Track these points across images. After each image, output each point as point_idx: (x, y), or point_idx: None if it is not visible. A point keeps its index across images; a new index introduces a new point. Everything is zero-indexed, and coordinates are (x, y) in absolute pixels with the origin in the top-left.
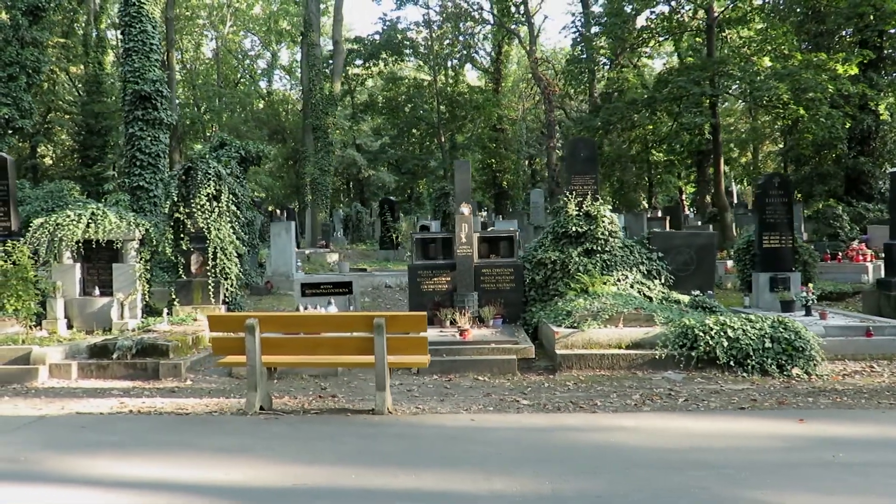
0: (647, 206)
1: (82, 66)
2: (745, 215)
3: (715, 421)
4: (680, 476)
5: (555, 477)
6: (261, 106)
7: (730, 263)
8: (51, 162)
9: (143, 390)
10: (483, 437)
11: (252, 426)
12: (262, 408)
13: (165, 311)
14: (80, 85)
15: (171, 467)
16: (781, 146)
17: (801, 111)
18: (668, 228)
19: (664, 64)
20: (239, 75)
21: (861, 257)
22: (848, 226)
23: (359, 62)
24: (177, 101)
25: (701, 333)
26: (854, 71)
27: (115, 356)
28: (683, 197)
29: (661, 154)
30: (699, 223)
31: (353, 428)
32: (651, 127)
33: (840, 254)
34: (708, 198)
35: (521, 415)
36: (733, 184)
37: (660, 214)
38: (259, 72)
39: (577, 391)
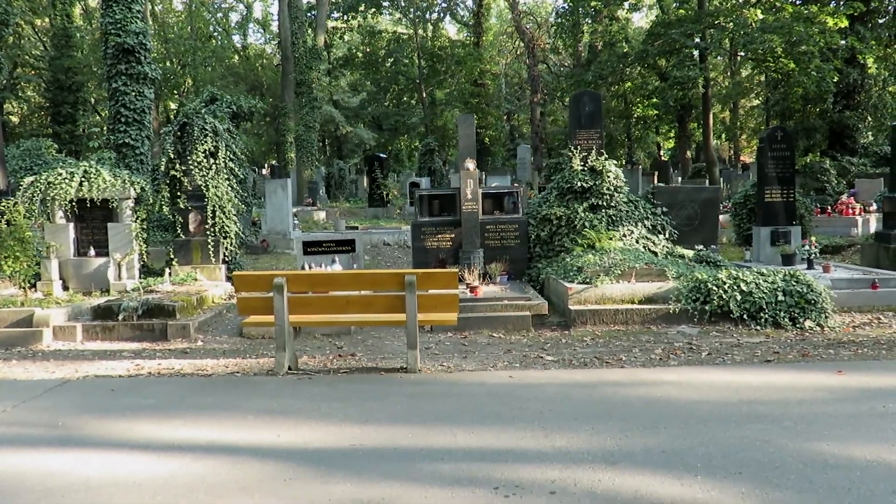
0: (625, 162)
1: (48, 19)
2: (727, 169)
3: (755, 374)
4: (739, 429)
5: (615, 432)
6: (236, 60)
7: (722, 217)
8: (17, 120)
9: (154, 352)
10: (529, 394)
11: (290, 387)
12: (290, 368)
13: (167, 271)
14: (46, 39)
15: (220, 430)
16: (760, 101)
17: (792, 64)
18: (657, 183)
19: (643, 18)
20: (212, 28)
21: (850, 211)
22: (835, 180)
23: (336, 15)
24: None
25: (714, 288)
26: (844, 23)
27: (120, 317)
28: (661, 153)
29: (647, 109)
30: (680, 179)
31: (395, 387)
32: (639, 81)
33: (829, 208)
34: (689, 153)
35: (560, 371)
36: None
37: (641, 170)
38: (233, 25)
39: (598, 346)
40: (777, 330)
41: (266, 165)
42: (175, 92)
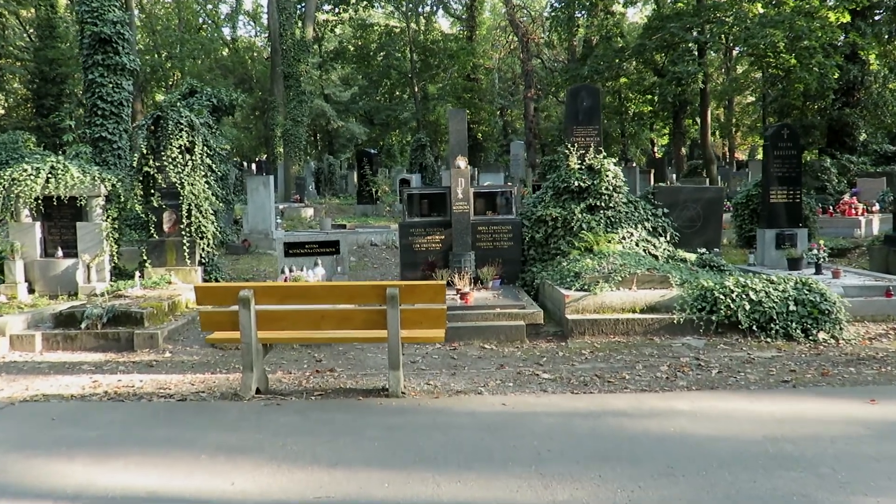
0: (619, 159)
1: (33, 10)
2: (723, 167)
3: (776, 401)
4: (769, 478)
5: (625, 481)
6: (225, 53)
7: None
8: (2, 112)
9: (117, 364)
10: (526, 426)
11: (254, 416)
12: (258, 390)
13: (137, 274)
14: (31, 30)
15: (167, 474)
16: (755, 98)
17: (793, 60)
18: (653, 182)
19: (637, 13)
20: (201, 20)
21: (853, 211)
22: (836, 179)
23: (327, 8)
24: (137, 48)
25: (721, 296)
26: (846, 18)
27: (83, 326)
28: (655, 150)
29: (643, 106)
30: (675, 176)
31: (373, 418)
32: (636, 76)
33: (831, 208)
34: (683, 150)
35: (558, 396)
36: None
37: (635, 167)
38: (222, 17)
39: (597, 361)
40: (789, 342)
41: (258, 161)
42: (163, 85)
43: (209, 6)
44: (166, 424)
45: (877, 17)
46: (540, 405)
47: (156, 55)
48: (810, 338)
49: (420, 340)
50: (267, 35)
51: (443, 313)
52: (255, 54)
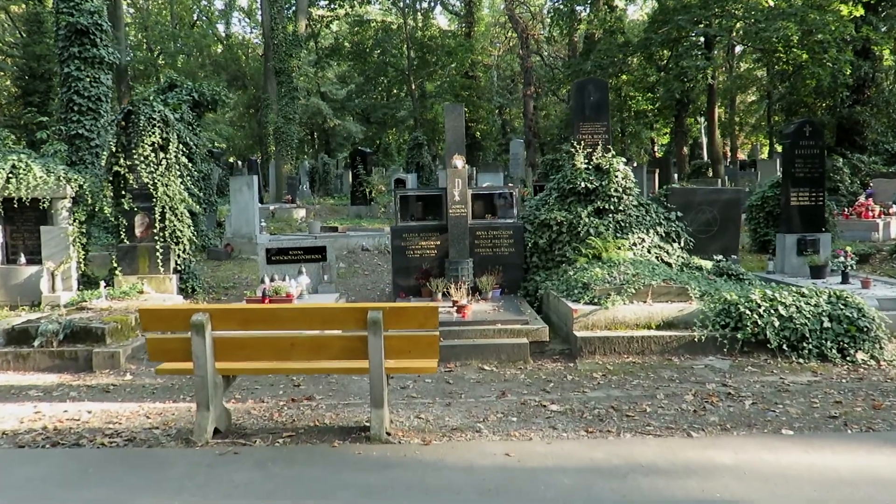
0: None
1: (24, 5)
2: (727, 167)
3: (835, 449)
4: None
5: None
6: (219, 50)
7: None
8: None
9: (69, 389)
10: (536, 491)
11: (204, 470)
12: (217, 430)
13: (103, 283)
14: (21, 25)
15: None
16: (757, 97)
17: (805, 55)
18: (657, 182)
19: (637, 11)
20: (195, 17)
21: (870, 213)
22: (848, 179)
23: (323, 3)
24: (128, 44)
25: (747, 311)
26: (859, 12)
27: (37, 343)
28: (655, 149)
29: (645, 104)
30: (676, 176)
31: (348, 474)
32: (640, 73)
33: (845, 209)
34: (685, 149)
35: (572, 442)
36: (703, 135)
37: (645, 169)
38: (216, 13)
39: (611, 387)
40: (824, 364)
41: (247, 159)
42: (153, 82)
43: (203, 2)
44: (95, 482)
45: (887, 12)
46: (551, 456)
47: (147, 52)
48: (847, 358)
49: (409, 372)
50: (261, 31)
51: (435, 340)
52: (250, 51)
